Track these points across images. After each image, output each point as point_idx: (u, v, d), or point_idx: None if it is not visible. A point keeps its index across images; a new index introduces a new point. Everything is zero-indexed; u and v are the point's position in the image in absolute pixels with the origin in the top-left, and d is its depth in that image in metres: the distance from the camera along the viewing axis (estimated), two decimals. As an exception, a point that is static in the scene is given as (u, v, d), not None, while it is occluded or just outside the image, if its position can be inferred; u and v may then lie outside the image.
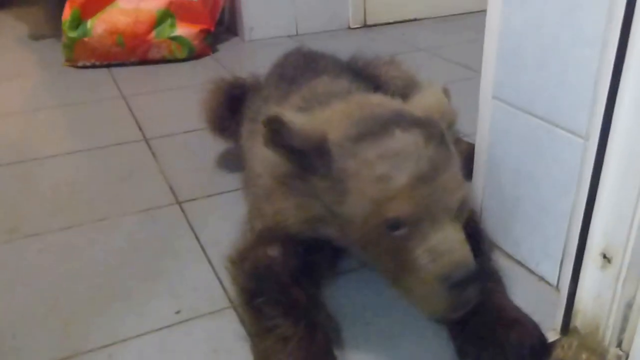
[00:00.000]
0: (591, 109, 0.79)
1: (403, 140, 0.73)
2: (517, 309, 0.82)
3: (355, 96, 0.89)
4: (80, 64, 2.09)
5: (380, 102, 0.84)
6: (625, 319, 0.76)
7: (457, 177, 0.75)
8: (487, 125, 0.99)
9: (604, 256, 0.75)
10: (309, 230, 0.83)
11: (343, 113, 0.80)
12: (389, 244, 0.73)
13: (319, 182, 0.78)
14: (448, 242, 0.71)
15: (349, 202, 0.75)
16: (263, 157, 0.95)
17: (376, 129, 0.74)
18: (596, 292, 0.77)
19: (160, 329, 0.88)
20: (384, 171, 0.71)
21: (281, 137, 0.76)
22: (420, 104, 0.83)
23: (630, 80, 0.67)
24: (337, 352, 0.78)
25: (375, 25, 2.49)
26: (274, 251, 0.85)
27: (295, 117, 0.78)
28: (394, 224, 0.71)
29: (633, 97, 0.67)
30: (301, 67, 1.17)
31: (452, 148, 0.78)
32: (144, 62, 2.11)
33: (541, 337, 0.78)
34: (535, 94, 0.88)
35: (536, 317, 0.80)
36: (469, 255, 0.72)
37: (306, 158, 0.77)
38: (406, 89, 1.21)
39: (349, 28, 2.47)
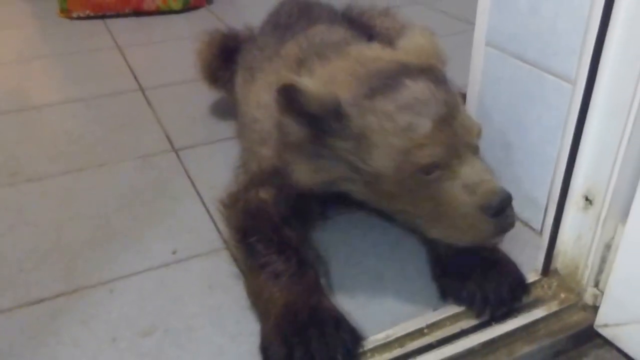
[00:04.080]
0: (580, 55, 0.79)
1: (415, 88, 0.75)
2: (499, 251, 0.84)
3: (352, 50, 0.89)
4: (74, 14, 2.07)
5: (377, 56, 0.84)
6: (603, 261, 0.79)
7: (469, 114, 0.78)
8: (480, 73, 1.00)
9: (586, 198, 0.77)
10: (325, 188, 0.84)
11: (346, 71, 0.81)
12: (424, 189, 0.76)
13: (339, 144, 0.78)
14: (478, 174, 0.76)
15: (375, 157, 0.76)
16: (259, 104, 0.97)
17: (386, 82, 0.76)
18: (577, 233, 0.80)
19: (159, 267, 0.91)
20: (407, 121, 0.74)
21: (297, 104, 0.76)
22: (412, 48, 0.84)
23: (617, 26, 0.68)
24: (325, 289, 0.81)
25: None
26: (266, 194, 0.87)
27: (307, 82, 0.77)
28: (429, 169, 0.75)
29: (620, 43, 0.69)
30: (296, 15, 1.17)
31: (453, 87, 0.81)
32: (139, 13, 2.09)
33: (520, 278, 0.81)
34: (527, 40, 0.89)
35: (519, 261, 0.83)
36: (499, 182, 0.76)
37: (323, 122, 0.77)
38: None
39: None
